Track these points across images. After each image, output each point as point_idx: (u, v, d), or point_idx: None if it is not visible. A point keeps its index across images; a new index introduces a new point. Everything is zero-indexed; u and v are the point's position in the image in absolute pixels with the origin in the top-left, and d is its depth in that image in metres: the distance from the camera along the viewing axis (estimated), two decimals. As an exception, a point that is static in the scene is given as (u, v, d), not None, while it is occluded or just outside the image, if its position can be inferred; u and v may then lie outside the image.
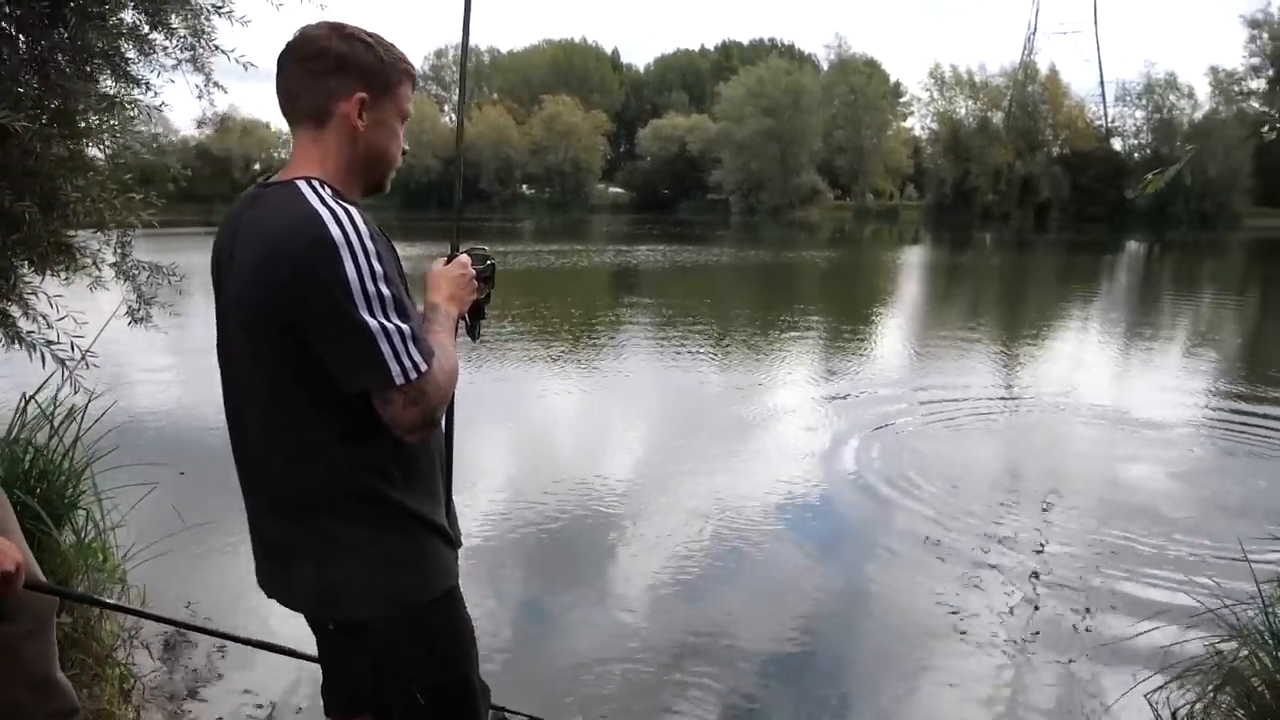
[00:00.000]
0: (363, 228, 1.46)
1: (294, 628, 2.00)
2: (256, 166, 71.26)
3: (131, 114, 2.91)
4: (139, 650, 3.24)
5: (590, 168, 71.73)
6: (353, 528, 1.58)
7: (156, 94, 3.16)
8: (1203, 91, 60.27)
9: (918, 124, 67.66)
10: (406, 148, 1.71)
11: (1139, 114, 58.77)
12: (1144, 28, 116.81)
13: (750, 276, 23.36)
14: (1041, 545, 4.77)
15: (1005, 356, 11.34)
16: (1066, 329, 14.49)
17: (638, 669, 3.45)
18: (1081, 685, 3.38)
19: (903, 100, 70.89)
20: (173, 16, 3.23)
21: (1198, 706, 2.69)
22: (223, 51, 3.41)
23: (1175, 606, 3.71)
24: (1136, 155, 59.06)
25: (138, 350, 7.48)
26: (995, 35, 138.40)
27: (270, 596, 1.71)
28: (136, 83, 3.09)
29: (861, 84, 62.87)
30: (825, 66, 68.34)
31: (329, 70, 1.55)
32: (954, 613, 3.97)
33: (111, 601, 2.51)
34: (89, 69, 2.83)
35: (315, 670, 1.99)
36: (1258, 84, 57.58)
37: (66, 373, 2.93)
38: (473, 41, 1.59)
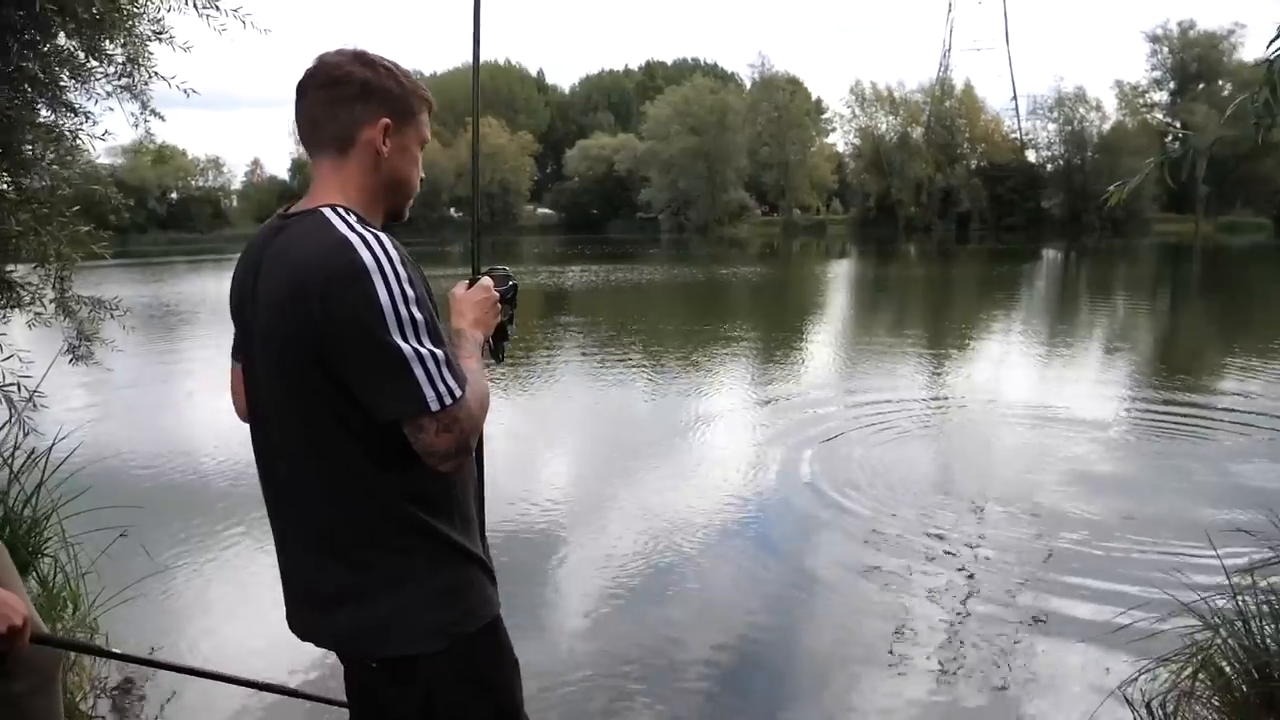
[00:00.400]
0: (393, 252, 1.44)
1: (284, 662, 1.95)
2: (173, 196, 69.36)
3: (75, 143, 2.84)
4: (102, 700, 3.11)
5: (518, 189, 71.36)
6: (396, 559, 1.54)
7: (96, 123, 3.11)
8: (1110, 104, 62.95)
9: (841, 140, 68.96)
10: (423, 175, 1.69)
11: (1051, 126, 60.65)
12: (1053, 44, 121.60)
13: (683, 294, 23.51)
14: (979, 545, 4.85)
15: (934, 362, 11.61)
16: (990, 335, 14.87)
17: (576, 691, 3.41)
18: (1048, 685, 3.40)
19: (825, 117, 72.36)
20: (108, 43, 3.17)
21: (1170, 696, 2.76)
22: (162, 78, 3.35)
23: (1132, 597, 3.80)
24: (1050, 166, 61.15)
25: (69, 387, 7.20)
26: (912, 53, 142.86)
27: (305, 639, 1.65)
28: (75, 111, 3.04)
29: (785, 101, 63.81)
30: (749, 85, 69.40)
31: (353, 97, 1.53)
32: (900, 623, 3.96)
33: (119, 652, 2.41)
34: (29, 96, 2.75)
35: (312, 709, 1.93)
36: (1160, 96, 60.32)
37: (15, 414, 2.83)
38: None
